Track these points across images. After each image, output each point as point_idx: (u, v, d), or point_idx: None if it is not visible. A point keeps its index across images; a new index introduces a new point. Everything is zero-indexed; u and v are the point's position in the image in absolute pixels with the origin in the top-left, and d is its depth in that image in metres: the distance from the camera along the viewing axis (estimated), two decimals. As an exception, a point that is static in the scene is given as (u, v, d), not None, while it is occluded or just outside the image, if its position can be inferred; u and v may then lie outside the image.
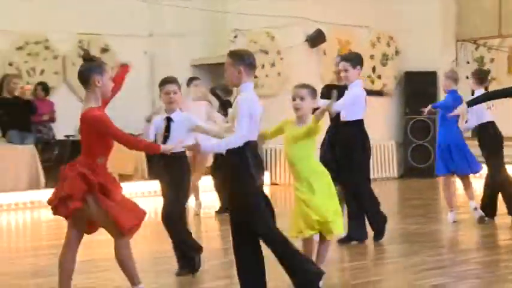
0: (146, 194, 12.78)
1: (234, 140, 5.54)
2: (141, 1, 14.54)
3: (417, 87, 15.49)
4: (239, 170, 5.57)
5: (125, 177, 13.33)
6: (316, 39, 14.73)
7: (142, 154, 13.41)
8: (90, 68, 5.45)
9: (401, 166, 15.68)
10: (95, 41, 14.86)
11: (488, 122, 9.48)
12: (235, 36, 15.04)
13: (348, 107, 8.05)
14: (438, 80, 15.38)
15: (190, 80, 11.08)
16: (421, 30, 15.33)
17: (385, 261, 7.73)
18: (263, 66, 14.88)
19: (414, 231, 9.34)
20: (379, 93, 8.77)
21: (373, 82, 15.63)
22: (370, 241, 8.38)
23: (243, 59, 5.69)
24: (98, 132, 5.37)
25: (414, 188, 14.08)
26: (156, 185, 12.72)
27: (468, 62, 15.87)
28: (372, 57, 15.55)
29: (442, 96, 15.28)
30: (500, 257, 7.56)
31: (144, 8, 14.85)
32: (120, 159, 13.36)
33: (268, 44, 14.89)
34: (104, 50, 14.98)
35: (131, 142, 5.52)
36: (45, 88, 13.69)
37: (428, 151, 15.44)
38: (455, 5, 15.75)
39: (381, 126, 15.55)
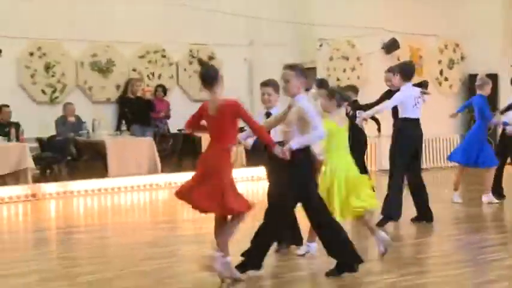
0: (245, 179, 12.88)
1: (315, 138, 5.54)
2: (241, 15, 14.63)
3: (480, 88, 15.06)
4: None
5: (228, 165, 13.47)
6: (390, 46, 14.51)
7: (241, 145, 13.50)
8: (215, 68, 5.63)
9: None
10: (203, 50, 15.04)
11: None
12: (321, 45, 14.95)
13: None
14: (498, 81, 14.95)
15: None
16: (483, 37, 14.92)
17: (449, 238, 7.55)
18: (344, 70, 14.77)
19: (476, 213, 9.14)
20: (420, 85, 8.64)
21: (440, 84, 15.30)
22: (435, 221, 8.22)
23: (304, 74, 5.64)
24: (235, 117, 5.39)
25: (476, 175, 13.69)
26: (253, 171, 12.99)
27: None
28: (439, 62, 15.23)
29: (502, 95, 14.89)
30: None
31: (244, 21, 14.93)
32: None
33: (349, 51, 14.75)
34: (210, 58, 15.14)
35: (257, 129, 5.47)
36: (163, 90, 13.98)
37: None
38: (515, 15, 15.25)
39: (448, 121, 15.15)
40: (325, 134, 5.55)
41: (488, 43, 14.94)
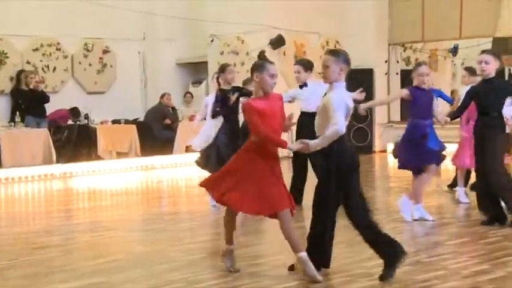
0: (139, 169, 12.71)
1: (335, 133, 4.82)
2: (135, 10, 14.38)
3: (358, 81, 15.36)
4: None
5: (122, 154, 13.25)
6: (277, 42, 14.66)
7: (136, 134, 13.31)
8: (253, 66, 5.13)
9: (345, 145, 15.72)
10: (98, 43, 14.69)
11: None
12: (212, 40, 14.95)
13: None
14: (374, 75, 15.48)
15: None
16: (361, 36, 15.34)
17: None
18: (235, 64, 14.72)
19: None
20: None
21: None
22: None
23: (346, 60, 5.01)
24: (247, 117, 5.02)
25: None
26: (146, 161, 12.82)
27: (398, 61, 15.97)
28: (321, 57, 15.49)
29: (377, 89, 15.39)
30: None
31: (138, 16, 14.69)
32: (117, 139, 13.25)
33: (238, 47, 14.80)
34: (105, 51, 14.82)
35: (262, 134, 4.94)
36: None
37: (366, 132, 15.52)
38: (388, 16, 15.79)
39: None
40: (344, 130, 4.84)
41: (365, 41, 15.41)
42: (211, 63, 14.95)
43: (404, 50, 16.08)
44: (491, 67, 6.71)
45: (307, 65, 8.26)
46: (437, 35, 14.99)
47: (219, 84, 8.40)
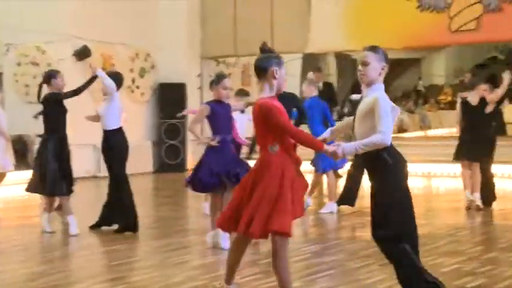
0: None
1: (379, 142, 4.19)
2: None
3: (169, 96, 15.23)
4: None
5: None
6: (82, 53, 13.80)
7: None
8: (269, 59, 4.41)
9: (156, 162, 15.30)
10: None
11: None
12: (8, 50, 13.80)
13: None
14: (186, 90, 15.26)
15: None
16: (172, 49, 15.12)
17: (139, 244, 7.25)
18: (35, 76, 13.78)
19: (166, 217, 9.02)
20: None
21: (132, 91, 15.11)
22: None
23: (387, 57, 4.33)
24: (266, 121, 4.31)
25: (166, 181, 13.81)
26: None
27: (211, 76, 15.83)
28: (131, 70, 15.00)
29: (189, 102, 15.14)
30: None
31: None
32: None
33: (39, 57, 13.79)
34: None
35: (298, 135, 4.37)
36: None
37: (178, 149, 15.22)
38: (200, 29, 15.69)
39: (140, 128, 15.07)
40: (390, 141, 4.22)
41: (176, 54, 15.19)
42: (7, 74, 13.83)
43: (217, 64, 16.04)
44: None
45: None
46: (250, 49, 15.04)
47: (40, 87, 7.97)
